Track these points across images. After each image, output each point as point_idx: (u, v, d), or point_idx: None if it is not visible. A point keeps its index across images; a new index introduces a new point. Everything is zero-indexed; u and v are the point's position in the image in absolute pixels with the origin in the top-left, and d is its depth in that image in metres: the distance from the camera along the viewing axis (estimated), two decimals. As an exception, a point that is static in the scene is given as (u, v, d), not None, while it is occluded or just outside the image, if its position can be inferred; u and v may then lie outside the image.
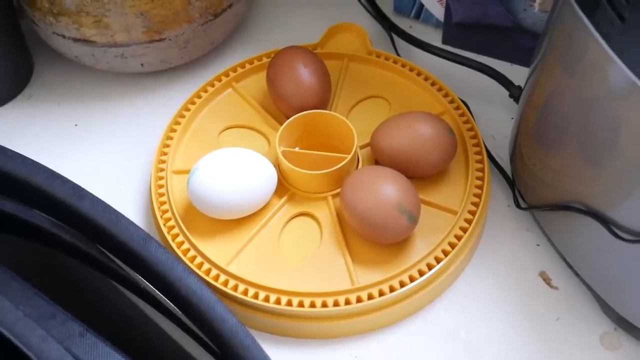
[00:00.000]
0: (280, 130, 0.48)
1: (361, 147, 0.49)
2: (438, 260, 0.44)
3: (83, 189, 0.37)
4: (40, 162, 0.49)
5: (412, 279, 0.43)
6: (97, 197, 0.37)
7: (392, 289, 0.43)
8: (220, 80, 0.53)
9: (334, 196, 0.47)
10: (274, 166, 0.47)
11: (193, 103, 0.52)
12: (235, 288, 0.43)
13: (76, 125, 0.54)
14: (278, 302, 0.42)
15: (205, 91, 0.53)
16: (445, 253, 0.44)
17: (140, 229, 0.35)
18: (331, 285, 0.43)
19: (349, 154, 0.47)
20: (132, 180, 0.50)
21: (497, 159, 0.51)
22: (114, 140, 0.53)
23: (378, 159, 0.48)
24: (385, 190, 0.43)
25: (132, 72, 0.55)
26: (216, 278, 0.43)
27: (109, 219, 0.37)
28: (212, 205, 0.45)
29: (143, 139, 0.52)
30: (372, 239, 0.44)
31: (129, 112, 0.55)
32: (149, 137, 0.52)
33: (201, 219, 0.46)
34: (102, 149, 0.53)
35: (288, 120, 0.49)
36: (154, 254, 0.37)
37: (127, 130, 0.54)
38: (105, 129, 0.54)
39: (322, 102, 0.50)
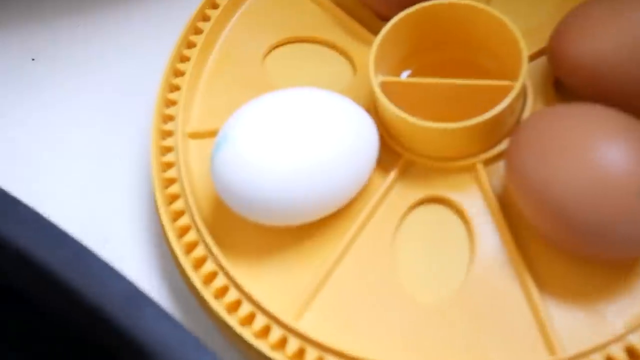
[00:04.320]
0: (376, 44, 0.26)
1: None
2: None
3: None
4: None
5: (674, 335, 0.21)
6: (32, 212, 0.20)
7: (634, 355, 0.21)
8: (258, -39, 0.31)
9: (487, 162, 0.25)
10: (368, 113, 0.25)
11: (214, 6, 0.30)
12: (317, 365, 0.22)
13: (33, 59, 0.33)
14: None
15: (235, -18, 0.30)
16: None
17: (123, 279, 0.19)
18: (504, 352, 0.21)
19: (515, 80, 0.24)
20: (122, 151, 0.29)
21: None
22: (90, 82, 0.32)
23: (570, 84, 0.25)
24: (611, 155, 0.21)
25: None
26: (280, 344, 0.23)
27: (60, 259, 0.20)
28: (262, 204, 0.23)
29: (137, 79, 0.31)
30: (582, 250, 0.22)
31: (111, 35, 0.32)
32: (147, 74, 0.30)
33: (243, 227, 0.25)
34: (73, 96, 0.31)
35: (389, 24, 0.26)
36: (152, 330, 0.19)
37: (110, 64, 0.32)
38: (75, 64, 0.32)
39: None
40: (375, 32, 0.27)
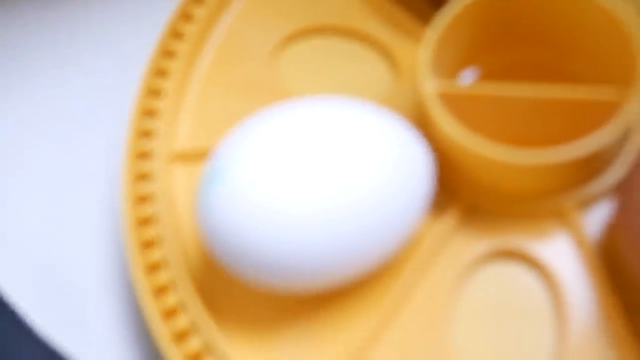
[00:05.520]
0: (430, 39, 0.19)
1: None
2: None
3: None
4: None
5: None
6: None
7: None
8: None
9: (582, 204, 0.18)
10: (416, 129, 0.18)
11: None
12: None
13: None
14: None
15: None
16: None
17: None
18: None
19: (626, 92, 0.17)
20: (84, 177, 0.23)
21: None
22: (47, 82, 0.25)
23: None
24: None
25: None
26: None
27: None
28: (270, 264, 0.17)
29: (108, 78, 0.24)
30: None
31: (77, 19, 0.26)
32: (121, 72, 0.23)
33: (244, 290, 0.18)
34: (25, 98, 0.24)
35: (450, 12, 0.19)
36: None
37: (74, 57, 0.25)
38: (27, 53, 0.25)
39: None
40: (423, 19, 0.20)
